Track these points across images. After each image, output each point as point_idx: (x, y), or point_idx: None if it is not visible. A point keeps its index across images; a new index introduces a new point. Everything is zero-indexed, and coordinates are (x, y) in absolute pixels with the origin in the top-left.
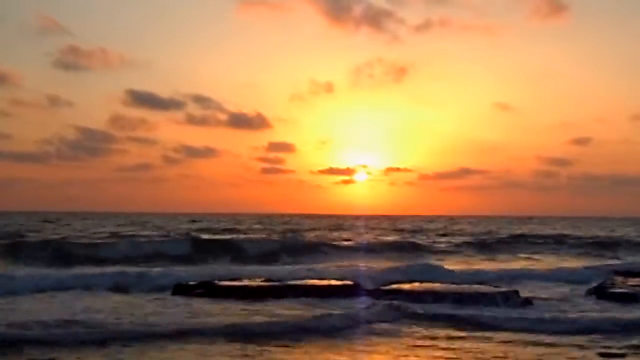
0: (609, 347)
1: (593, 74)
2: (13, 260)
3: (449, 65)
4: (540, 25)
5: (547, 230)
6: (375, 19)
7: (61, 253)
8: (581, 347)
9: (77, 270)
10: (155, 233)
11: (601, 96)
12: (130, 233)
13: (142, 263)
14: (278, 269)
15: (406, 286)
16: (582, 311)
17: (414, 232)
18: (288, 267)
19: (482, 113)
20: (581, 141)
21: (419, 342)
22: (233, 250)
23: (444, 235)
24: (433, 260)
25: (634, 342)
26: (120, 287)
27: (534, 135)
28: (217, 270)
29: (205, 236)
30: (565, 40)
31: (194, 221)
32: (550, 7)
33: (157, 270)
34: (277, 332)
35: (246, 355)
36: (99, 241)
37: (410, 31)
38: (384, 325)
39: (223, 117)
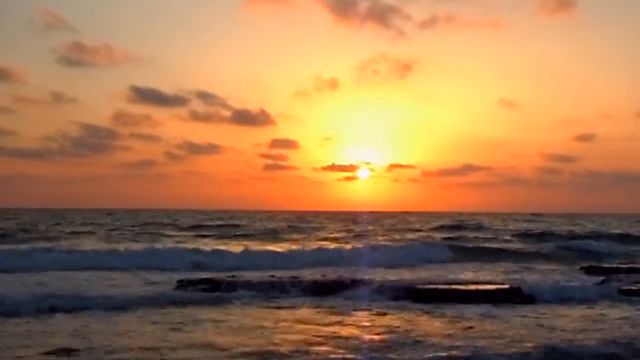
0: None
1: (599, 70)
2: None
3: (454, 61)
4: (546, 22)
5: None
6: (381, 15)
7: None
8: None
9: None
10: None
11: (606, 92)
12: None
13: None
14: None
15: (409, 284)
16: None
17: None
18: None
19: (487, 109)
20: (585, 137)
21: None
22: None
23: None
24: None
25: None
26: None
27: (538, 131)
28: None
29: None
30: (571, 37)
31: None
32: (556, 3)
33: None
34: None
35: None
36: None
37: (415, 27)
38: None
39: (227, 113)
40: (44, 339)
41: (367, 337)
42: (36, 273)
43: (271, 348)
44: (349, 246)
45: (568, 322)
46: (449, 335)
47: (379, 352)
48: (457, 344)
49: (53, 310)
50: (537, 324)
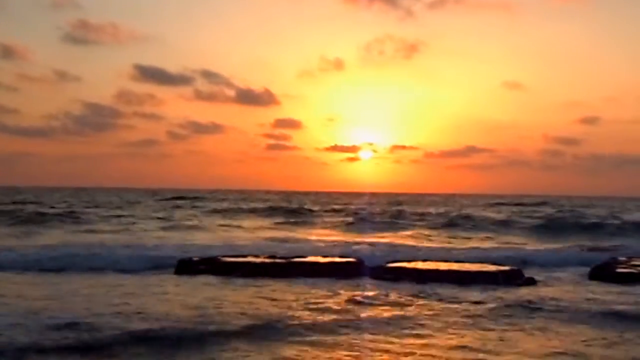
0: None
1: (605, 53)
2: None
3: (460, 42)
4: (554, 4)
5: None
6: None
7: None
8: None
9: None
10: None
11: (612, 76)
12: None
13: None
14: None
15: (409, 265)
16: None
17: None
18: None
19: (492, 91)
20: (590, 120)
21: None
22: None
23: None
24: None
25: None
26: None
27: (543, 114)
28: None
29: None
30: (579, 19)
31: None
32: None
33: None
34: None
35: None
36: None
37: (424, 7)
38: None
39: (231, 93)
40: None
41: None
42: None
43: None
44: None
45: None
46: None
47: None
48: None
49: None
50: None
